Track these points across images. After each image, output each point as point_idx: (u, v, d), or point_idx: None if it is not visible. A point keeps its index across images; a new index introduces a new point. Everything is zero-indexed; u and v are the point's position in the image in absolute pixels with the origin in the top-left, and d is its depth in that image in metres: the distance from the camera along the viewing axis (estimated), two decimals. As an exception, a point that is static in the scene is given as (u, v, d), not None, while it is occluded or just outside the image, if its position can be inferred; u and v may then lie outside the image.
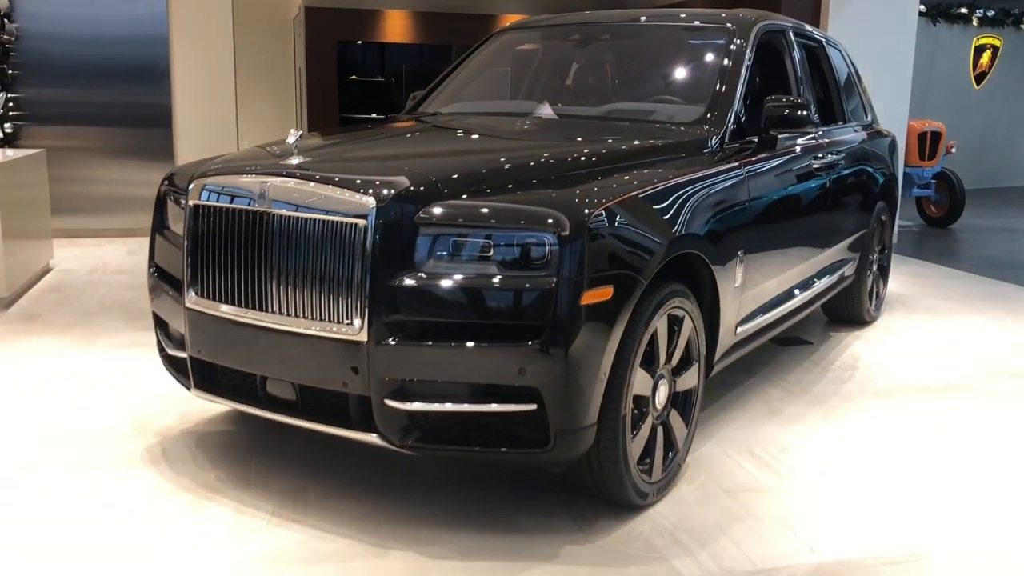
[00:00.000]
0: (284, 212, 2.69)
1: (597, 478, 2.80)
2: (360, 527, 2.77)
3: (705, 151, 3.44)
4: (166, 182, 3.31)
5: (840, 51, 5.30)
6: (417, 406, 2.57)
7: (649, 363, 2.88)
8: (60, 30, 7.76)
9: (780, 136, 3.81)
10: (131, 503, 2.91)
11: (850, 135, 4.95)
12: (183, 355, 3.02)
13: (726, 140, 3.53)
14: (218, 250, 2.83)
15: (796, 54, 4.33)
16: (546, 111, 3.93)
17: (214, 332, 2.86)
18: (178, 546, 2.65)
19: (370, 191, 2.58)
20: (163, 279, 3.20)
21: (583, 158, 3.05)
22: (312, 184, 2.67)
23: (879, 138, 5.48)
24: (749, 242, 3.44)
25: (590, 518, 2.86)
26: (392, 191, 2.58)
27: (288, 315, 2.69)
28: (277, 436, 3.39)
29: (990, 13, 13.90)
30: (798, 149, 4.09)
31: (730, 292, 3.34)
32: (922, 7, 11.96)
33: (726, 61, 3.78)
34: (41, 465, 3.19)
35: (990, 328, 5.46)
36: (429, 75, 4.76)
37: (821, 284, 4.49)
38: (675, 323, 3.00)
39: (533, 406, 2.55)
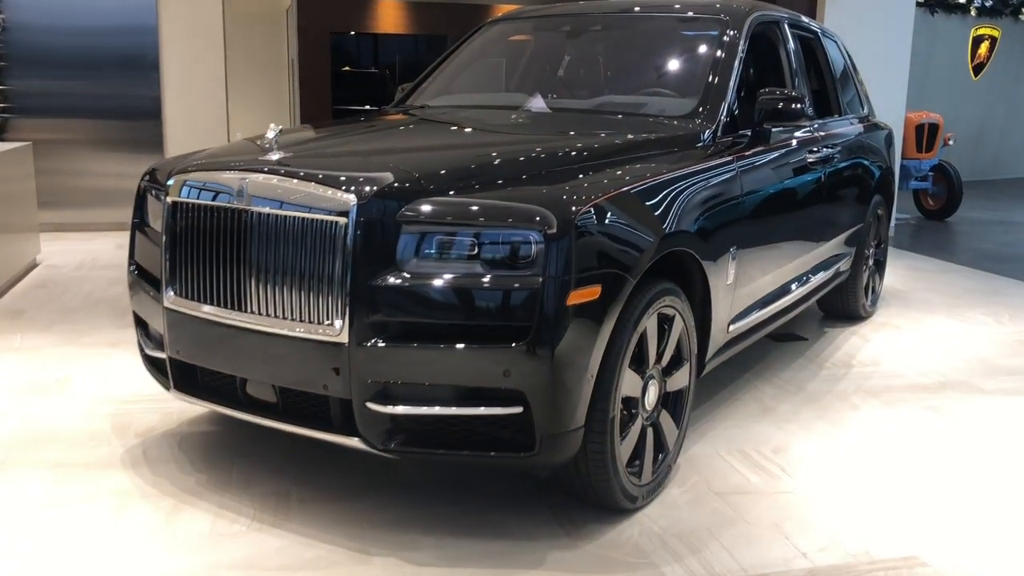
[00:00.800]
0: (263, 209, 2.61)
1: (584, 482, 2.73)
2: (343, 532, 2.71)
3: (697, 145, 3.37)
4: (146, 177, 3.23)
5: (836, 42, 5.22)
6: (400, 409, 2.50)
7: (638, 364, 2.82)
8: (47, 21, 7.66)
9: (774, 129, 3.74)
10: (107, 507, 2.84)
11: (846, 128, 4.87)
12: (162, 355, 2.95)
13: (719, 134, 3.46)
14: (197, 248, 2.76)
15: (791, 45, 4.26)
16: (536, 104, 3.86)
17: (193, 332, 2.79)
18: (153, 552, 2.58)
19: (351, 188, 2.51)
20: (143, 277, 3.13)
21: (572, 153, 2.98)
22: (292, 181, 2.60)
23: (876, 131, 5.41)
24: (742, 238, 3.38)
25: (578, 522, 2.80)
26: (374, 188, 2.51)
27: (268, 316, 2.62)
28: (261, 438, 3.32)
29: (988, 3, 13.82)
30: (793, 143, 4.01)
31: (722, 289, 3.27)
32: (920, -3, 11.88)
33: (719, 53, 3.71)
34: (17, 466, 3.12)
35: (986, 323, 5.40)
36: (423, 66, 4.69)
37: (816, 280, 4.42)
38: (665, 322, 2.93)
39: (519, 409, 2.48)
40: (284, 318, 2.59)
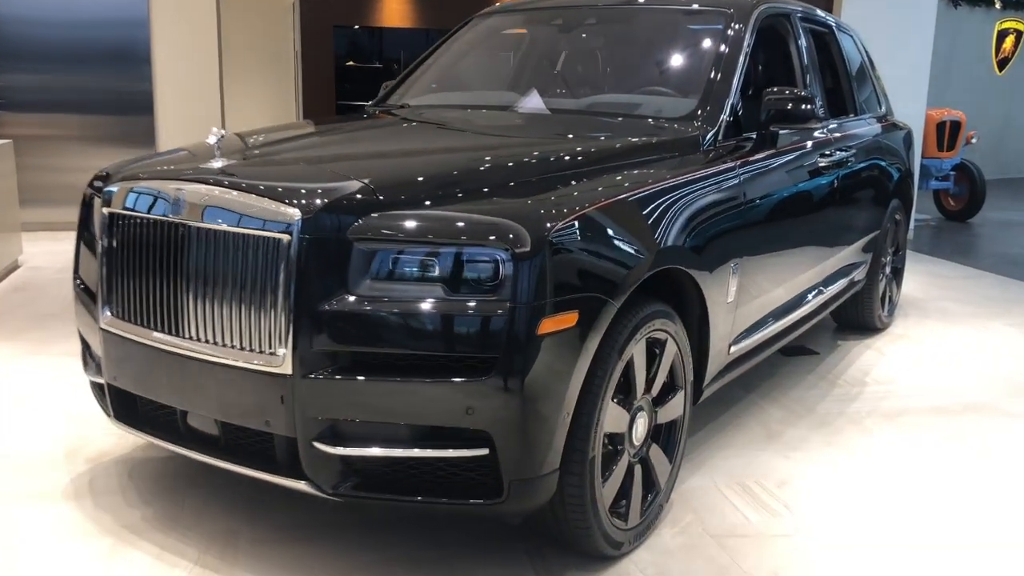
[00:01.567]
0: (202, 224, 2.34)
1: (562, 528, 2.45)
2: (292, 581, 2.44)
3: (697, 150, 3.07)
4: (91, 184, 2.96)
5: (852, 37, 4.90)
6: (350, 451, 2.22)
7: (624, 395, 2.53)
8: (34, 13, 7.42)
9: (782, 132, 3.43)
10: (40, 544, 2.58)
11: (862, 128, 4.56)
12: (101, 381, 2.68)
13: (720, 137, 3.16)
14: (134, 265, 2.49)
15: (802, 41, 3.94)
16: (532, 103, 3.57)
17: (130, 358, 2.53)
18: (80, 605, 2.32)
19: (295, 201, 2.23)
20: (86, 293, 2.87)
21: (552, 160, 2.69)
22: (232, 192, 2.32)
23: (894, 131, 5.09)
24: (745, 251, 3.08)
25: (556, 569, 2.52)
26: (321, 200, 2.23)
27: (207, 342, 2.35)
28: (219, 469, 3.05)
29: (1014, -4, 13.39)
30: (803, 146, 3.71)
31: (722, 308, 2.97)
32: (942, -10, 11.50)
33: (722, 48, 3.41)
34: (-50, 499, 2.87)
35: (1011, 335, 5.07)
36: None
37: (829, 291, 4.12)
38: (656, 347, 2.65)
39: (484, 451, 2.20)
40: (224, 345, 2.32)
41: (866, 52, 5.09)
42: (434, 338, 2.17)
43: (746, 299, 3.16)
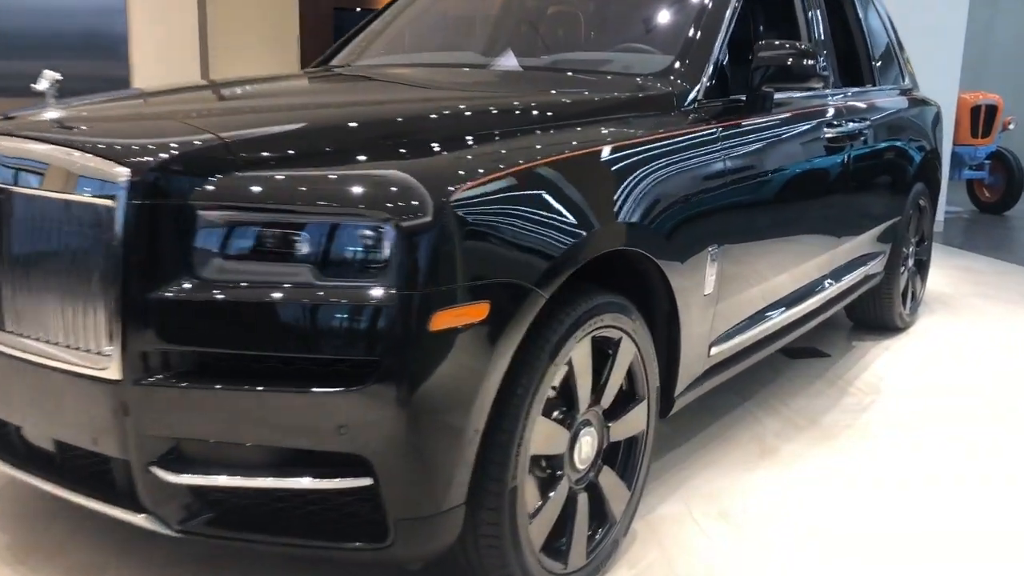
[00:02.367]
0: (22, 190, 1.87)
1: (476, 574, 1.96)
2: (144, 635, 1.97)
3: (671, 111, 2.55)
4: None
5: (873, 2, 4.34)
6: (197, 479, 1.74)
7: (566, 407, 2.03)
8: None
9: (778, 95, 2.91)
10: None
11: (881, 101, 4.01)
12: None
13: (701, 97, 2.64)
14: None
15: (809, -3, 3.41)
16: (507, 62, 3.05)
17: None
18: None
19: (124, 157, 1.75)
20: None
21: (480, 114, 2.20)
22: (56, 149, 1.84)
23: (920, 107, 4.53)
24: (728, 236, 2.57)
25: (477, 624, 2.02)
26: (157, 157, 1.74)
27: (31, 338, 1.88)
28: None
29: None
30: (807, 113, 3.18)
31: (697, 302, 2.46)
32: (978, -32, 10.82)
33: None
34: None
35: (1051, 337, 4.50)
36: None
37: (838, 285, 3.58)
38: (607, 348, 2.15)
39: (365, 481, 1.71)
40: (48, 342, 1.85)
41: (890, 20, 4.53)
42: (298, 335, 1.69)
43: (730, 292, 2.64)
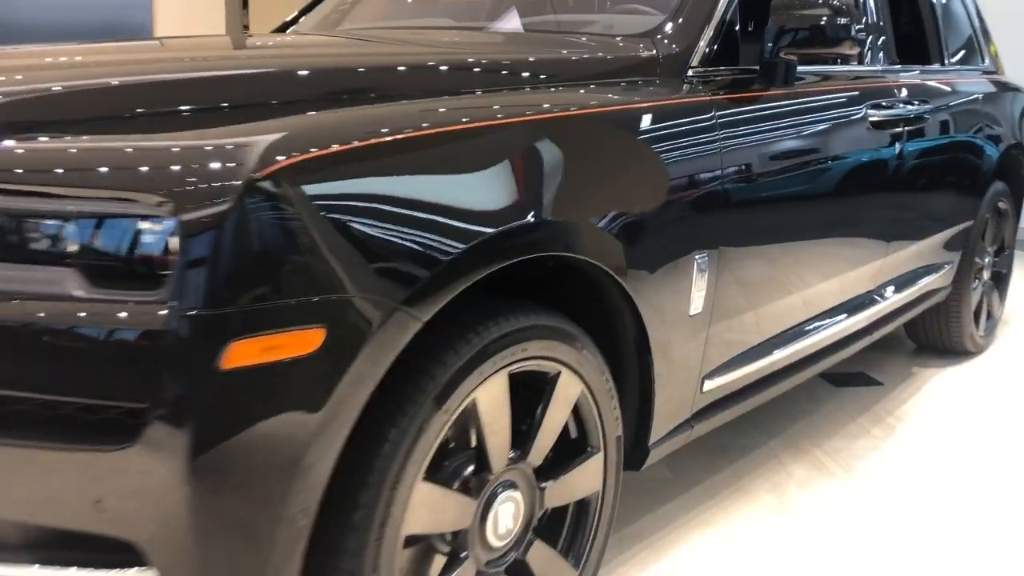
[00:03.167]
0: None
1: None
2: None
3: (653, 80, 2.00)
4: None
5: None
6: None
7: (473, 466, 1.52)
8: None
9: (805, 67, 2.34)
10: None
11: (950, 81, 3.37)
12: None
13: (697, 64, 2.08)
14: None
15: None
16: (509, 23, 2.53)
17: None
18: None
19: None
20: None
21: (365, 72, 1.69)
22: None
23: (1002, 92, 3.84)
24: (725, 237, 2.00)
25: None
26: None
27: None
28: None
29: None
30: (840, 89, 2.59)
31: (677, 324, 1.91)
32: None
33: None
34: None
35: None
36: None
37: (889, 302, 2.96)
38: (541, 385, 1.61)
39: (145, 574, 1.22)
40: None
41: (966, -9, 3.87)
42: (46, 369, 1.20)
43: (731, 310, 2.07)
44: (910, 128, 2.86)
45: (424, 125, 1.42)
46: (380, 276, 1.29)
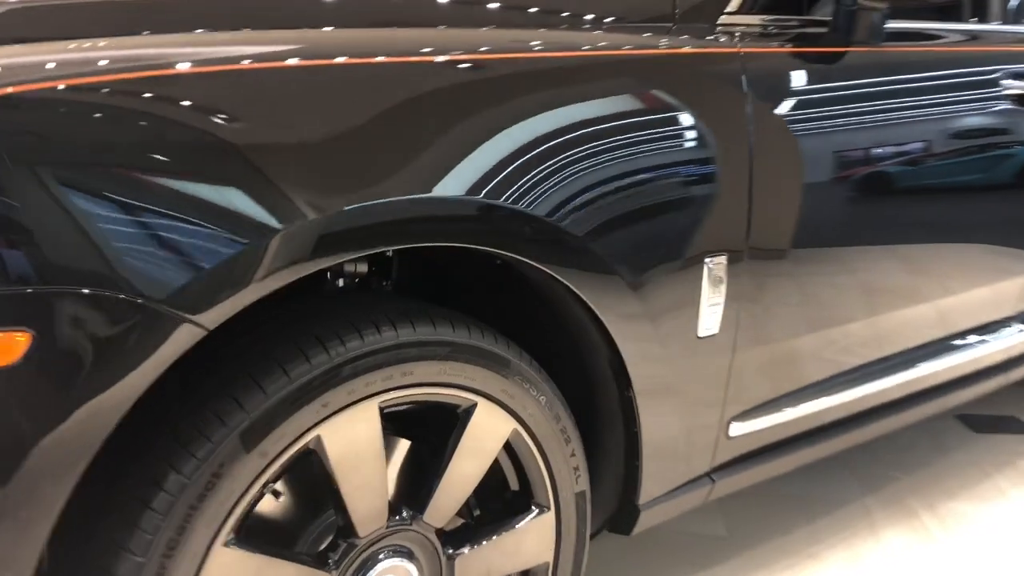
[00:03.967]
0: None
1: None
2: None
3: (665, 23, 1.52)
4: None
5: None
6: None
7: (339, 533, 1.13)
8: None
9: (904, 23, 1.79)
10: None
11: None
12: None
13: (733, 8, 1.59)
14: None
15: None
16: None
17: None
18: None
19: None
20: None
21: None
22: None
23: None
24: (757, 237, 1.50)
25: None
26: None
27: None
28: None
29: None
30: (959, 53, 2.01)
31: (679, 347, 1.44)
32: None
33: None
34: None
35: None
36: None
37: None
38: (449, 421, 1.21)
39: None
40: None
41: None
42: None
43: (767, 332, 1.57)
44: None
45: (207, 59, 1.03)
46: (128, 259, 0.92)
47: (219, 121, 0.96)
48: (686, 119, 1.39)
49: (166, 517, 0.98)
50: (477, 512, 1.32)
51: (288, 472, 1.10)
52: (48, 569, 0.98)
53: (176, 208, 0.93)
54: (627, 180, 1.31)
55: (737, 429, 1.60)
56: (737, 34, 1.55)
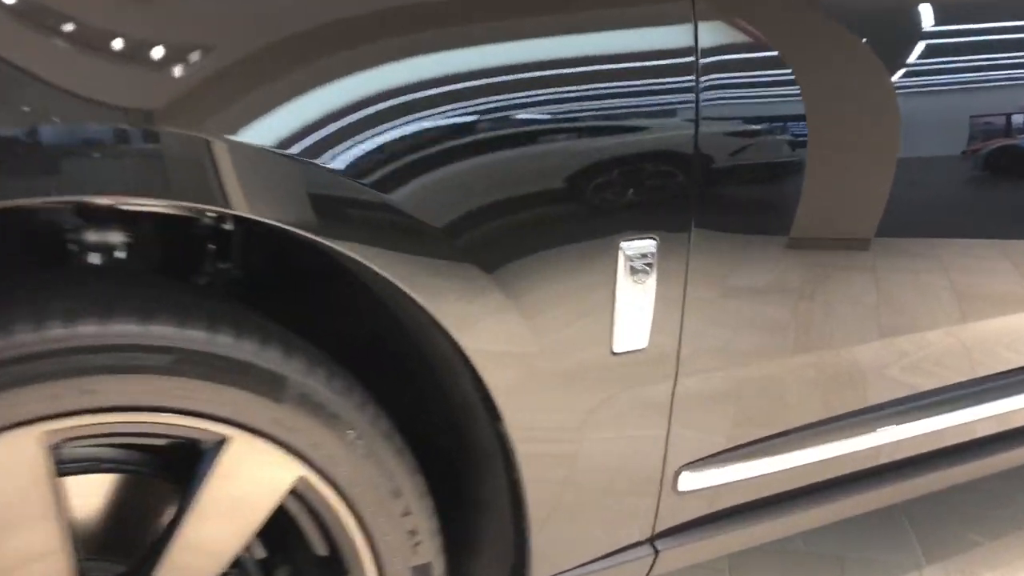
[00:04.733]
0: None
1: None
2: None
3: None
4: None
5: None
6: None
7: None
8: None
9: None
10: None
11: None
12: None
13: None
14: None
15: None
16: None
17: None
18: None
19: None
20: None
21: None
22: None
23: None
24: (709, 211, 1.06)
25: None
26: None
27: None
28: None
29: None
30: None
31: (580, 365, 1.00)
32: None
33: None
34: None
35: None
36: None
37: None
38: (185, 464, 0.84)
39: None
40: None
41: None
42: None
43: (726, 348, 1.12)
44: None
45: None
46: None
47: None
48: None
49: None
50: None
51: None
52: None
53: None
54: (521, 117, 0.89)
55: (688, 481, 1.15)
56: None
